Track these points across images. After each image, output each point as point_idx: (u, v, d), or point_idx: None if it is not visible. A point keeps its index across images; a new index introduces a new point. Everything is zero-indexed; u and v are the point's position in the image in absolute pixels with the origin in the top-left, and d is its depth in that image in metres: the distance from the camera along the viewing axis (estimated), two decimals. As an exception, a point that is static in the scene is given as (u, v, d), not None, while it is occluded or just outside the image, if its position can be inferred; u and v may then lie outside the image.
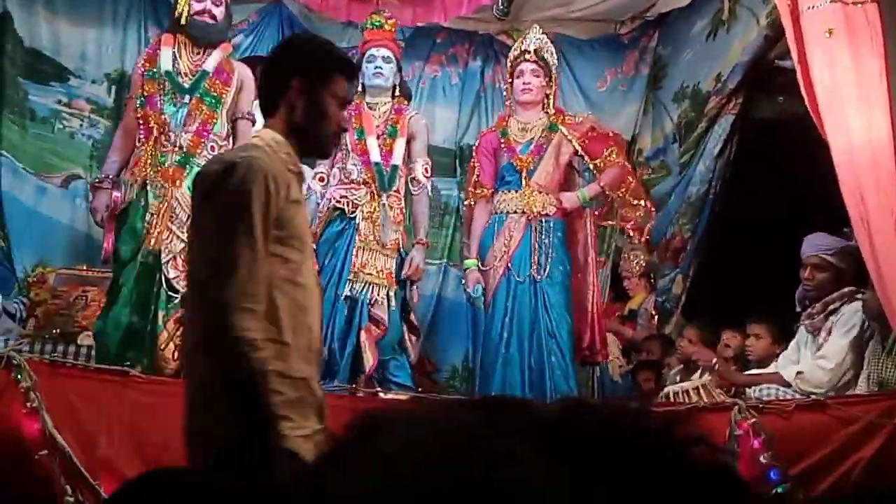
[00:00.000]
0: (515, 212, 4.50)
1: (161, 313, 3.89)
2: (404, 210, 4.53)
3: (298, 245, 2.12)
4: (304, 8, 5.81)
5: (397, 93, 4.63)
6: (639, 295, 5.64)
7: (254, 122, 4.33)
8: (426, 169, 4.58)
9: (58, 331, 4.35)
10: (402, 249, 4.45)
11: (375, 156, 4.42)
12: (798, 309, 3.97)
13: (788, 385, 3.70)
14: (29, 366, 3.22)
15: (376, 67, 4.53)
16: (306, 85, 2.16)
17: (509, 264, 4.43)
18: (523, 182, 4.52)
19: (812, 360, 3.77)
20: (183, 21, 4.17)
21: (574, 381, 4.41)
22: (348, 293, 4.28)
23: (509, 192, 4.56)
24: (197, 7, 4.17)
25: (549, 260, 4.43)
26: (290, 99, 2.16)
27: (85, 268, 4.81)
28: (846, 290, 3.78)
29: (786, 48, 3.77)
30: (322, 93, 2.17)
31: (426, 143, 4.71)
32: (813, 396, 3.50)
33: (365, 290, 4.30)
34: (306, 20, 5.97)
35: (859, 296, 3.71)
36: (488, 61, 6.17)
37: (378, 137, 4.47)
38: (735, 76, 5.16)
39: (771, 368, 3.96)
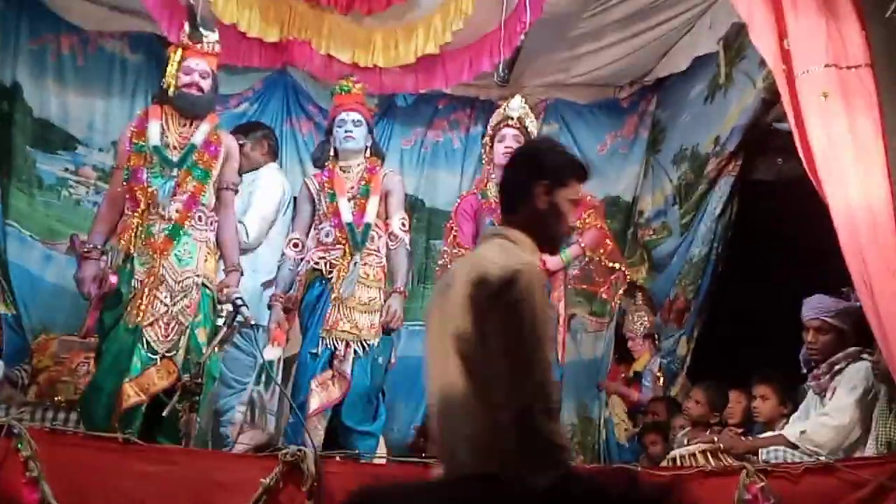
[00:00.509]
0: None
1: (127, 377, 3.80)
2: (384, 268, 4.53)
3: (552, 345, 2.20)
4: (308, 75, 5.92)
5: (369, 154, 4.68)
6: (643, 356, 5.62)
7: (237, 192, 4.42)
8: (403, 223, 4.61)
9: (60, 398, 4.34)
10: (380, 302, 4.45)
11: (347, 216, 4.45)
12: (804, 370, 3.95)
13: (796, 447, 3.66)
14: (29, 434, 3.20)
15: (346, 131, 4.59)
16: (547, 188, 2.32)
17: None
18: None
19: (816, 418, 3.74)
20: (171, 93, 4.20)
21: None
22: (314, 350, 4.27)
23: None
24: (185, 80, 4.19)
25: None
26: (531, 200, 2.31)
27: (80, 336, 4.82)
28: (851, 349, 3.77)
29: (783, 111, 3.81)
30: (560, 195, 2.33)
31: (402, 198, 4.75)
32: (821, 458, 3.45)
33: (336, 345, 4.28)
34: (311, 87, 6.08)
35: (864, 355, 3.69)
36: (487, 128, 6.25)
37: (350, 199, 4.51)
38: (733, 139, 5.22)
39: (779, 430, 3.92)
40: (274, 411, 4.34)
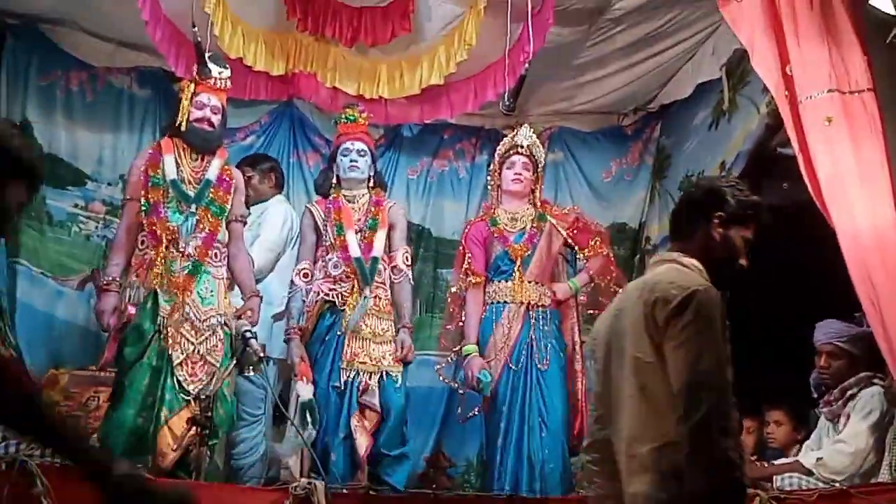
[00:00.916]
0: (513, 302, 4.55)
1: (164, 412, 3.88)
2: (391, 299, 4.56)
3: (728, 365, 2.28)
4: (315, 108, 5.97)
5: (372, 184, 4.71)
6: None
7: (245, 224, 4.46)
8: (406, 257, 4.67)
9: (70, 433, 4.32)
10: (391, 335, 4.49)
11: (355, 251, 4.47)
12: (815, 395, 3.93)
13: (810, 473, 3.64)
14: (41, 470, 3.20)
15: (352, 161, 4.64)
16: (725, 221, 2.43)
17: (510, 354, 4.46)
18: (517, 272, 4.60)
19: (831, 445, 3.72)
20: (183, 128, 4.26)
21: (568, 475, 4.36)
22: (337, 383, 4.28)
23: (505, 281, 4.62)
24: (197, 114, 4.26)
25: (549, 350, 4.47)
26: (707, 230, 2.42)
27: (97, 368, 4.82)
28: (863, 374, 3.76)
29: (787, 136, 3.83)
30: (735, 231, 2.45)
31: (405, 231, 4.82)
32: (836, 484, 3.43)
33: (355, 377, 4.30)
34: (317, 120, 6.13)
35: (877, 380, 3.68)
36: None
37: (358, 232, 4.54)
38: (738, 164, 5.23)
39: (793, 456, 3.90)
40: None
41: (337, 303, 4.42)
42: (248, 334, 3.77)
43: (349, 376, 4.30)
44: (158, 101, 5.80)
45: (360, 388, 4.29)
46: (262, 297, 4.35)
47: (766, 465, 3.89)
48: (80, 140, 5.62)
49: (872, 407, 3.65)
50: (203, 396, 3.77)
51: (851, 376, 3.79)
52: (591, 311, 5.06)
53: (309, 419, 4.13)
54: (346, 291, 4.43)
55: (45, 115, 5.54)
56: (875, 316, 3.26)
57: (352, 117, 4.77)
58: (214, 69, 4.38)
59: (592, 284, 4.80)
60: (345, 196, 4.65)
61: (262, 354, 3.85)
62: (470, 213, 6.06)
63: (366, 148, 4.70)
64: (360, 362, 4.32)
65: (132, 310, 4.02)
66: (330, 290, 4.44)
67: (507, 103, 4.98)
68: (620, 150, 6.30)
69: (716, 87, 5.49)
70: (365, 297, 4.38)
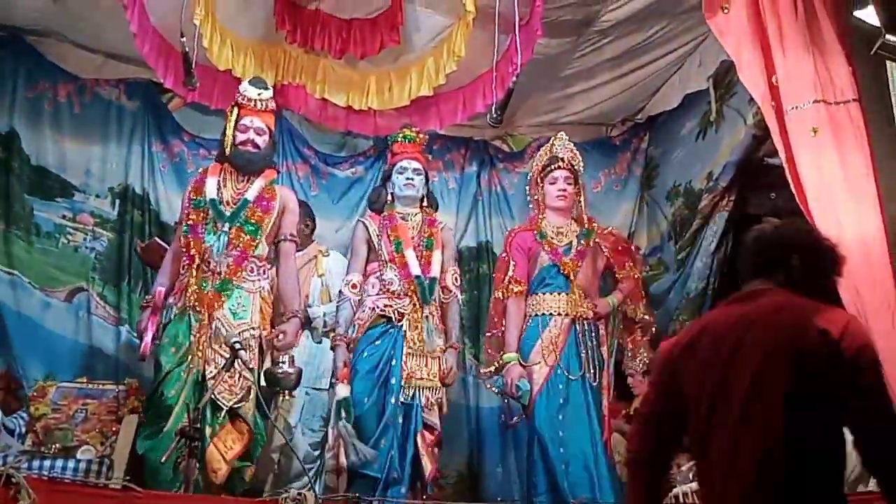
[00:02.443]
0: (560, 314, 4.61)
1: (208, 428, 3.89)
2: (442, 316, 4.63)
3: None
4: (304, 119, 5.98)
5: (425, 203, 4.80)
6: (643, 393, 5.59)
7: (297, 245, 4.52)
8: (456, 277, 4.74)
9: (57, 445, 4.31)
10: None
11: (416, 269, 4.53)
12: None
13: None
14: (28, 483, 3.17)
15: (407, 179, 4.71)
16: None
17: (558, 362, 4.48)
18: (571, 285, 4.66)
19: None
20: (228, 151, 4.33)
21: (618, 486, 4.38)
22: (402, 400, 4.31)
23: (553, 293, 4.67)
24: (241, 137, 4.33)
25: (595, 362, 4.57)
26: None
27: (85, 380, 4.80)
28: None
29: (774, 146, 3.85)
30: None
31: (454, 252, 4.91)
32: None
33: (417, 394, 4.35)
34: (306, 131, 6.13)
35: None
36: (484, 166, 6.34)
37: (415, 249, 4.58)
38: (726, 174, 5.27)
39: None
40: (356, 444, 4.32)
41: (393, 318, 4.45)
42: (238, 346, 3.75)
43: (410, 393, 4.34)
44: (147, 112, 5.80)
45: (423, 405, 4.35)
46: (302, 322, 4.41)
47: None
48: (68, 152, 5.61)
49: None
50: (239, 408, 3.91)
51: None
52: (623, 334, 5.12)
53: (344, 414, 4.19)
54: (402, 308, 4.46)
55: (33, 126, 5.54)
56: (861, 325, 3.27)
57: (410, 137, 4.84)
58: (253, 91, 4.44)
59: (625, 306, 4.90)
60: (399, 213, 4.70)
61: (251, 367, 3.84)
62: (459, 224, 6.08)
63: (421, 167, 4.77)
64: (419, 378, 4.37)
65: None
66: (386, 306, 4.47)
67: (496, 114, 4.99)
68: (609, 161, 6.34)
69: (703, 98, 5.54)
70: (426, 317, 4.47)
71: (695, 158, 5.65)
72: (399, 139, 4.85)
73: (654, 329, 5.03)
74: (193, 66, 4.70)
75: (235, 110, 4.40)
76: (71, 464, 4.15)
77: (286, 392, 4.09)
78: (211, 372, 3.93)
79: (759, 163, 5.12)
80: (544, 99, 6.04)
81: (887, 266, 3.30)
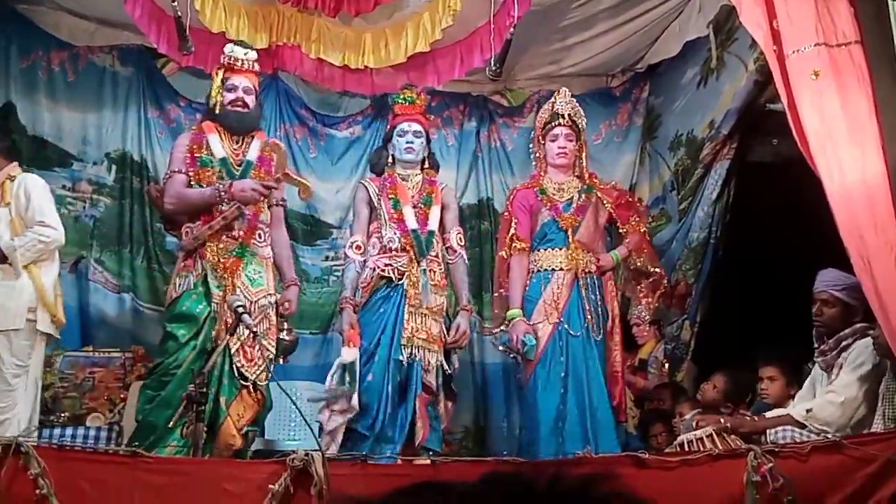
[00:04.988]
0: (561, 269, 4.60)
1: (223, 398, 3.92)
2: (445, 275, 4.62)
3: None
4: (300, 80, 5.92)
5: (426, 165, 4.77)
6: (648, 343, 5.60)
7: (285, 208, 4.53)
8: (460, 237, 4.75)
9: (66, 414, 4.35)
10: (447, 314, 4.57)
11: (412, 223, 4.54)
12: (816, 345, 3.94)
13: (803, 426, 3.65)
14: (37, 452, 3.20)
15: (408, 142, 4.69)
16: None
17: (560, 318, 4.48)
18: (569, 240, 4.63)
19: (822, 395, 3.73)
20: (217, 111, 4.28)
21: (616, 440, 4.40)
22: (401, 358, 4.33)
23: (554, 249, 4.65)
24: (230, 97, 4.29)
25: (599, 316, 4.56)
26: None
27: (91, 349, 4.82)
28: (858, 325, 3.75)
29: (776, 92, 3.80)
30: None
31: (457, 212, 4.89)
32: (828, 436, 3.44)
33: (418, 355, 4.36)
34: (303, 92, 6.08)
35: (871, 332, 3.67)
36: (483, 122, 6.28)
37: (414, 206, 4.60)
38: (728, 122, 5.21)
39: (786, 409, 3.92)
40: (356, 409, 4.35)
41: (393, 277, 4.46)
42: (241, 310, 3.75)
43: (411, 354, 4.35)
44: (141, 78, 5.76)
45: (424, 367, 4.36)
46: (300, 287, 4.41)
47: (757, 418, 3.89)
48: (64, 120, 5.58)
49: (864, 358, 3.64)
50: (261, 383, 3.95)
51: (846, 326, 3.78)
52: (623, 289, 5.10)
53: (347, 378, 4.20)
54: (402, 266, 4.48)
55: (28, 96, 5.50)
56: (864, 269, 3.25)
57: (409, 98, 4.79)
58: (240, 51, 4.41)
59: (630, 259, 4.85)
60: (399, 175, 4.70)
61: (255, 331, 3.86)
62: (459, 181, 6.04)
63: (421, 129, 4.74)
64: (420, 338, 4.38)
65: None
66: (386, 265, 4.48)
67: (494, 68, 4.95)
68: (610, 112, 6.27)
69: (703, 45, 5.45)
70: (423, 271, 4.47)
71: (696, 107, 5.59)
72: (399, 100, 4.82)
73: (665, 282, 4.99)
74: (187, 30, 4.65)
75: (221, 72, 4.35)
76: (80, 431, 4.19)
77: (284, 357, 4.10)
78: (234, 344, 3.93)
79: (761, 109, 5.06)
80: (543, 51, 5.96)
81: (890, 208, 3.27)
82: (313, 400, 4.37)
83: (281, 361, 4.09)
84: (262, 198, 4.14)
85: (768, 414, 3.90)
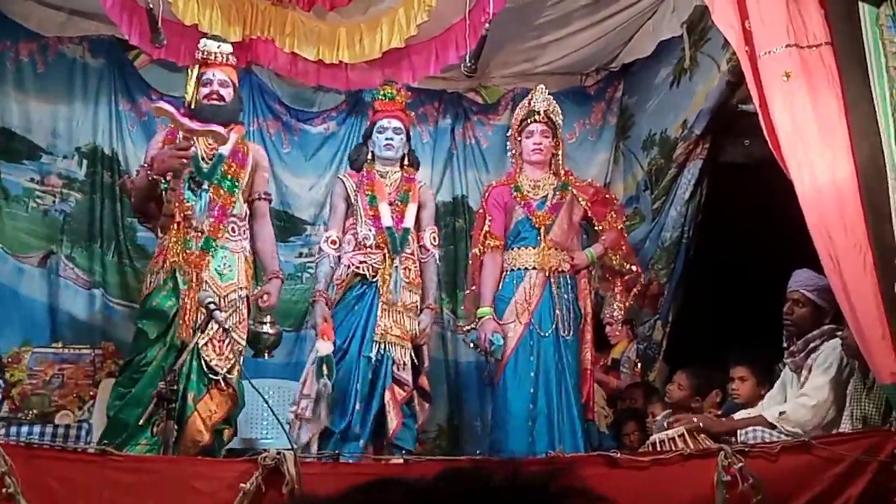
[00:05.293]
0: (534, 268, 4.59)
1: (191, 394, 3.88)
2: (419, 273, 4.61)
3: None
4: (274, 74, 5.88)
5: (406, 162, 4.76)
6: (621, 343, 5.63)
7: (270, 202, 4.48)
8: (434, 237, 4.73)
9: (34, 411, 4.29)
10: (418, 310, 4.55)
11: (387, 220, 4.54)
12: (785, 345, 3.98)
13: (773, 427, 3.69)
14: (4, 450, 3.15)
15: (387, 139, 4.67)
16: None
17: (531, 319, 4.47)
18: (541, 239, 4.61)
19: (794, 398, 3.77)
20: (193, 106, 4.23)
21: (583, 439, 4.43)
22: (371, 355, 4.32)
23: (527, 247, 4.65)
24: (204, 91, 4.25)
25: (570, 316, 4.54)
26: None
27: (61, 345, 4.76)
28: (826, 327, 3.80)
29: (748, 92, 3.83)
30: None
31: (433, 211, 4.87)
32: (798, 437, 3.48)
33: (389, 350, 4.35)
34: (276, 86, 6.03)
35: (839, 333, 3.71)
36: (458, 119, 6.27)
37: (390, 204, 4.58)
38: (700, 122, 5.24)
39: (757, 410, 3.95)
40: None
41: (368, 275, 4.45)
42: (212, 306, 3.72)
43: (383, 349, 4.34)
44: (112, 70, 5.68)
45: (395, 362, 4.34)
46: (282, 280, 4.38)
47: (729, 419, 3.93)
48: (33, 112, 5.50)
49: (833, 360, 3.68)
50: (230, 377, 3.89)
51: (815, 327, 3.82)
52: (597, 287, 5.11)
53: (325, 371, 4.17)
54: (376, 263, 4.47)
55: (-5, 87, 5.40)
56: (834, 270, 3.28)
57: (390, 95, 4.77)
58: (213, 44, 4.37)
59: (606, 257, 4.84)
60: (378, 171, 4.68)
61: (226, 327, 3.82)
62: (434, 178, 6.03)
63: (402, 126, 4.72)
64: (393, 335, 4.38)
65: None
66: (360, 262, 4.48)
67: (469, 65, 4.94)
68: (584, 111, 6.29)
69: (677, 45, 5.48)
70: (396, 269, 4.45)
71: (669, 106, 5.62)
72: (380, 97, 4.80)
73: (642, 280, 5.00)
74: (159, 22, 4.59)
75: (196, 67, 4.32)
76: (49, 429, 4.14)
77: (267, 351, 4.07)
78: (202, 338, 3.89)
79: (734, 109, 5.10)
80: (518, 48, 5.96)
81: (859, 209, 3.30)
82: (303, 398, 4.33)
83: (266, 356, 4.04)
84: (182, 160, 4.00)
85: (740, 414, 3.94)
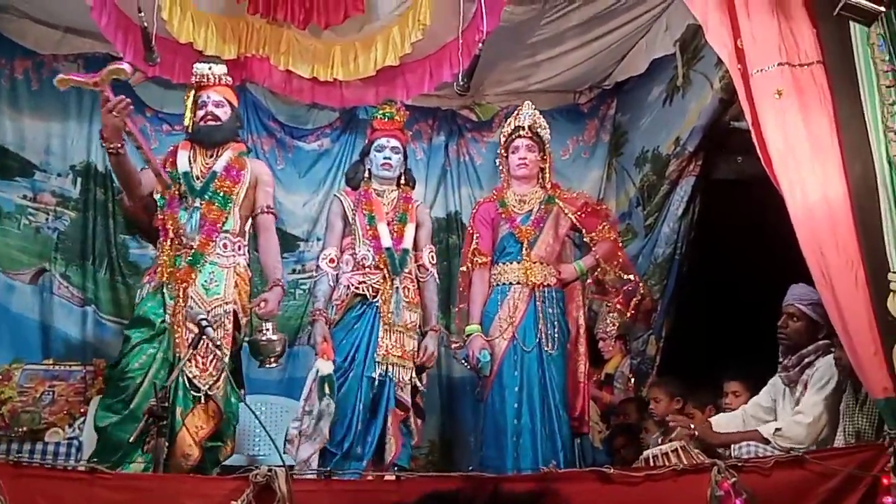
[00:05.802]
0: (518, 283, 4.59)
1: (179, 409, 3.87)
2: (418, 292, 4.60)
3: None
4: (268, 91, 5.89)
5: (402, 181, 4.76)
6: (615, 358, 5.63)
7: (275, 216, 4.49)
8: (432, 256, 4.73)
9: (24, 428, 4.26)
10: (419, 330, 4.55)
11: (387, 241, 4.52)
12: (780, 359, 3.98)
13: (767, 442, 3.69)
14: (-7, 467, 3.13)
15: (385, 157, 4.68)
16: None
17: (515, 334, 4.48)
18: (524, 253, 4.64)
19: (790, 415, 3.77)
20: (191, 129, 4.34)
21: (570, 452, 4.43)
22: (374, 376, 4.31)
23: (510, 263, 4.66)
24: (200, 113, 4.34)
25: (556, 330, 4.51)
26: None
27: (52, 362, 4.74)
28: (821, 343, 3.80)
29: (740, 110, 3.85)
30: None
31: (430, 230, 4.86)
32: (792, 452, 3.47)
33: (391, 372, 4.34)
34: (271, 104, 6.05)
35: (833, 349, 3.72)
36: (452, 136, 6.30)
37: (388, 224, 4.57)
38: (693, 139, 5.27)
39: (739, 415, 3.97)
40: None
41: (368, 295, 4.44)
42: (204, 323, 3.70)
43: (385, 371, 4.33)
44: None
45: (397, 384, 4.34)
46: (284, 289, 4.39)
47: (726, 433, 3.92)
48: (28, 130, 5.51)
49: (829, 377, 3.69)
50: (213, 393, 3.86)
51: (810, 342, 3.83)
52: (597, 297, 5.10)
53: (327, 391, 4.15)
54: (376, 283, 4.45)
55: (-10, 105, 5.41)
56: (826, 287, 3.28)
57: (389, 114, 4.78)
58: (204, 66, 4.44)
59: (599, 269, 4.82)
60: (375, 190, 4.68)
61: (218, 343, 3.81)
62: (428, 195, 6.04)
63: (399, 145, 4.73)
64: (394, 356, 4.37)
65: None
66: (360, 283, 4.46)
67: (462, 83, 4.96)
68: (577, 129, 6.33)
69: (669, 63, 5.53)
70: (397, 289, 4.44)
71: (662, 124, 5.65)
72: (379, 115, 4.81)
73: (641, 291, 4.94)
74: (153, 40, 4.62)
75: (192, 92, 4.41)
76: (39, 447, 4.11)
77: (271, 359, 4.05)
78: (188, 353, 3.86)
79: (726, 127, 5.14)
80: (511, 67, 5.99)
81: (851, 226, 3.31)
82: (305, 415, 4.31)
83: (270, 364, 4.02)
84: (113, 113, 3.95)
85: (730, 422, 3.95)
